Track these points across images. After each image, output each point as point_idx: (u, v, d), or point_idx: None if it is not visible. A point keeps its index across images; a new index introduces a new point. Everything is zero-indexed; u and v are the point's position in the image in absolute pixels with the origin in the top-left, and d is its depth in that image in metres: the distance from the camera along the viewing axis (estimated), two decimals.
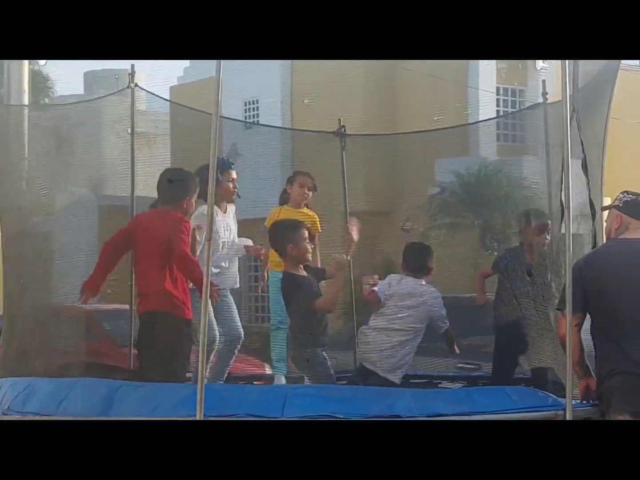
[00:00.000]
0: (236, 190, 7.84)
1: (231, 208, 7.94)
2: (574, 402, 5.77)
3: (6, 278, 7.54)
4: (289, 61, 17.94)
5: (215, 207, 7.34)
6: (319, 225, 8.25)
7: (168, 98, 10.54)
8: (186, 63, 12.81)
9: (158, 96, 9.31)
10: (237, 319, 7.89)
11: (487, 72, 18.02)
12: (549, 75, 8.09)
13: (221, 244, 7.68)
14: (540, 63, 9.58)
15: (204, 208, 7.08)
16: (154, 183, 9.47)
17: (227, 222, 7.81)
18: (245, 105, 19.86)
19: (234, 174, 7.77)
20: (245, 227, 13.17)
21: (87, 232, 8.65)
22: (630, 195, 6.05)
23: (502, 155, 13.42)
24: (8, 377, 6.78)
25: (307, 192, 8.18)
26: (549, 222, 7.44)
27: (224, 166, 7.62)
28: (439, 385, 7.34)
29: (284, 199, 8.38)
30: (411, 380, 7.47)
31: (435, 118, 11.16)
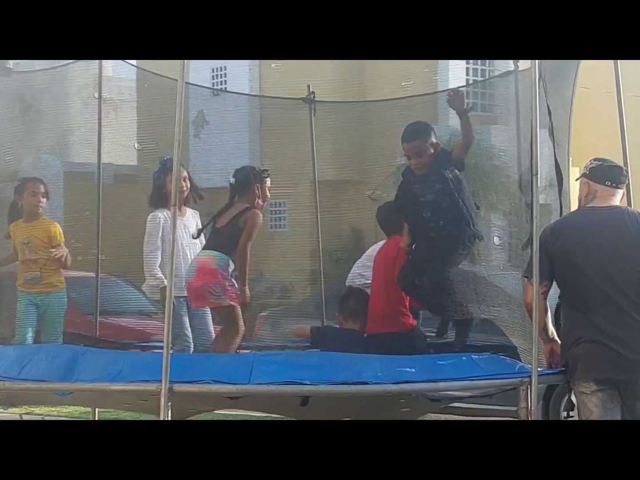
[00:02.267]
0: (186, 189, 7.55)
1: (190, 211, 7.75)
2: (539, 370, 5.84)
3: None
4: None
5: (166, 212, 7.34)
6: (60, 234, 7.92)
7: (135, 64, 10.47)
8: None
9: (126, 62, 9.23)
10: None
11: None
12: None
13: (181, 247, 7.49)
14: None
15: (154, 215, 7.46)
16: (120, 150, 9.47)
17: (184, 224, 7.60)
18: (213, 72, 19.66)
19: (184, 173, 7.47)
20: (212, 195, 13.13)
21: (52, 198, 8.59)
22: (597, 162, 6.08)
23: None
24: None
25: (40, 199, 7.89)
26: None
27: (166, 167, 7.39)
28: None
29: (14, 213, 7.99)
30: None
31: (403, 83, 11.12)
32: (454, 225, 6.69)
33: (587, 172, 6.06)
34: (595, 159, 6.12)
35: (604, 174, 6.01)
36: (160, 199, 7.53)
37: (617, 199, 6.04)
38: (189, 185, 7.62)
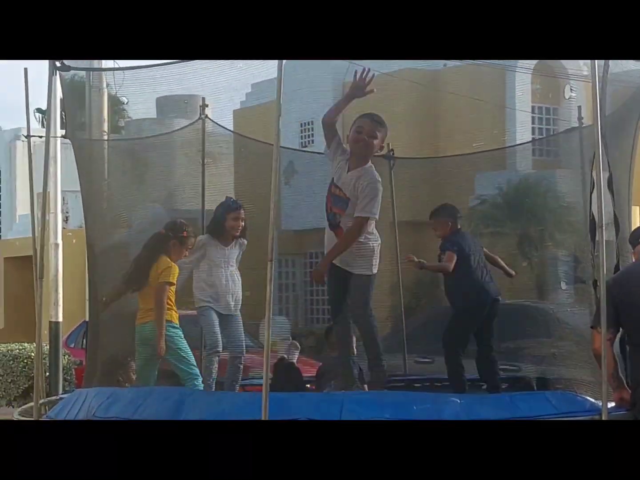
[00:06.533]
0: (240, 227, 7.48)
1: (240, 241, 7.61)
2: (609, 408, 5.63)
3: (92, 293, 7.47)
4: (341, 83, 17.63)
5: (215, 240, 7.40)
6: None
7: (232, 121, 10.51)
8: (248, 89, 12.73)
9: (223, 127, 9.25)
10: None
11: (522, 93, 17.67)
12: (582, 101, 7.98)
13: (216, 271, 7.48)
14: (568, 92, 9.29)
15: (200, 238, 7.50)
16: (219, 197, 9.53)
17: (227, 254, 7.53)
18: (301, 126, 19.52)
19: (242, 214, 7.49)
20: (299, 237, 13.09)
21: None
22: (633, 231, 6.36)
23: (537, 168, 13.12)
24: (93, 388, 6.76)
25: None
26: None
27: (229, 208, 7.49)
28: (483, 388, 7.15)
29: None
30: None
31: (474, 145, 10.97)
32: None
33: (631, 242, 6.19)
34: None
35: (637, 237, 6.14)
36: (216, 230, 7.49)
37: None
38: (243, 224, 7.55)
